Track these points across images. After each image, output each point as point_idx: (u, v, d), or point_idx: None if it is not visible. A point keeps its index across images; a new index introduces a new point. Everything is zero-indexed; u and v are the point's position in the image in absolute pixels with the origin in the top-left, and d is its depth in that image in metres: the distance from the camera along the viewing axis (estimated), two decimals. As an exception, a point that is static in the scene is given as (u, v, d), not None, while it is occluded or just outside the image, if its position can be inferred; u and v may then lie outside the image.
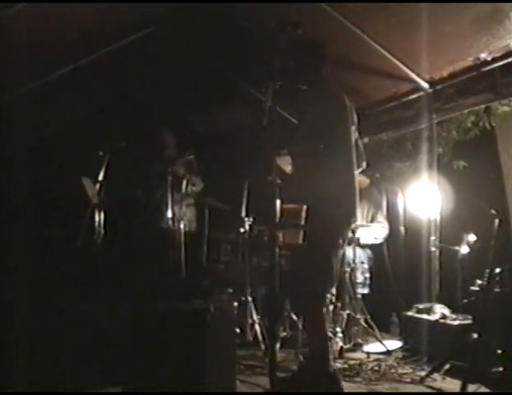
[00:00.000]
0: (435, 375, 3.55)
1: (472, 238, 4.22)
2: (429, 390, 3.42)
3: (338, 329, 4.23)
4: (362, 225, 4.87)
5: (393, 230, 5.13)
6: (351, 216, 3.38)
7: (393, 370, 3.78)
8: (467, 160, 5.14)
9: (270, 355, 2.84)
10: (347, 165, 3.37)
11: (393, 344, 4.30)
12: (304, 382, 3.27)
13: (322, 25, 4.06)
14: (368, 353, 4.22)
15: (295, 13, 3.70)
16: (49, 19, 3.81)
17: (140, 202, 5.05)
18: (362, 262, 4.82)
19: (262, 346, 4.18)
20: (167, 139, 5.29)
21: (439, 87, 4.57)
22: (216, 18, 4.44)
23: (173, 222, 4.71)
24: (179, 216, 4.75)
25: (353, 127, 3.46)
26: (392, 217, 5.21)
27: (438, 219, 4.70)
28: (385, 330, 4.62)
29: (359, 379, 3.63)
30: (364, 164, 3.59)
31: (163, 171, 4.88)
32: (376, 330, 4.41)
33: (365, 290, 4.77)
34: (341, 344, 4.17)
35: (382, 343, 4.25)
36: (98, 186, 4.42)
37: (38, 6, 3.57)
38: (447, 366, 3.54)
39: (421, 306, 4.27)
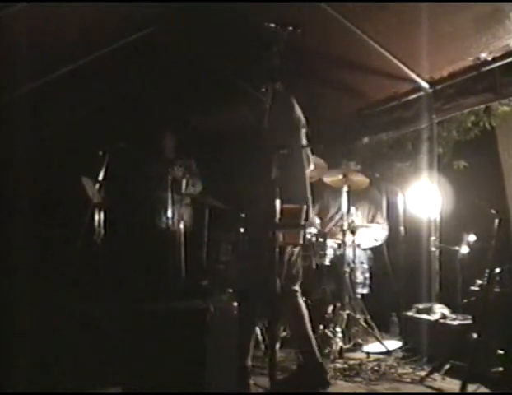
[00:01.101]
0: (435, 375, 3.55)
1: (472, 238, 4.22)
2: (429, 390, 3.42)
3: (338, 329, 4.23)
4: (362, 226, 4.87)
5: (393, 230, 5.13)
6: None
7: (393, 370, 3.78)
8: (468, 160, 5.13)
9: (270, 355, 2.85)
10: (300, 168, 3.45)
11: (393, 344, 4.30)
12: (303, 381, 3.31)
13: (322, 25, 4.06)
14: (368, 353, 4.22)
15: (295, 13, 3.70)
16: (49, 19, 3.81)
17: (138, 202, 5.06)
18: (362, 262, 4.82)
19: (262, 346, 4.18)
20: (167, 141, 5.30)
21: (439, 87, 4.57)
22: (215, 18, 4.44)
23: (172, 222, 4.71)
24: (178, 216, 4.75)
25: (303, 131, 3.52)
26: (392, 217, 5.21)
27: (438, 219, 4.70)
28: (385, 330, 4.62)
29: (359, 379, 3.63)
30: (311, 166, 3.67)
31: (162, 171, 4.89)
32: (376, 330, 4.41)
33: (365, 290, 4.77)
34: (341, 344, 4.17)
35: (382, 343, 4.24)
36: (98, 186, 4.42)
37: (38, 6, 3.57)
38: (447, 366, 3.54)
39: (421, 306, 4.27)
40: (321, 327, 4.37)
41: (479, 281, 3.70)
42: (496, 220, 3.30)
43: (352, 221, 4.57)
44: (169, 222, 4.75)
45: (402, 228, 5.17)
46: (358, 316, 4.40)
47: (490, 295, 3.37)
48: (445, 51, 4.19)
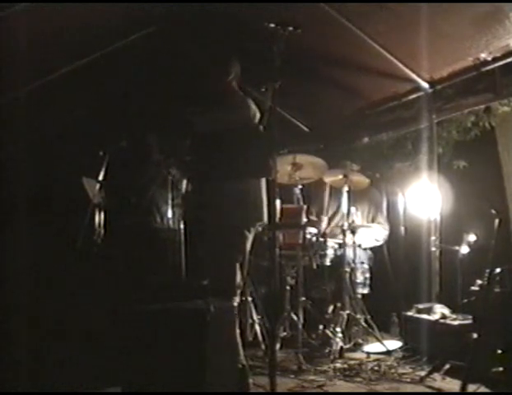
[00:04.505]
0: (435, 375, 3.55)
1: (472, 238, 4.22)
2: (429, 390, 3.42)
3: (338, 329, 4.23)
4: (362, 226, 4.87)
5: (393, 230, 5.13)
6: None
7: (393, 370, 3.78)
8: (468, 160, 5.13)
9: (270, 355, 2.85)
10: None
11: (393, 344, 4.30)
12: None
13: (322, 25, 4.06)
14: (368, 353, 4.22)
15: (295, 13, 3.69)
16: (49, 19, 3.81)
17: (135, 202, 5.05)
18: (362, 262, 4.82)
19: (263, 346, 4.19)
20: (153, 143, 5.27)
21: (439, 87, 4.58)
22: (216, 18, 4.44)
23: (173, 222, 4.71)
24: (179, 215, 4.75)
25: None
26: (392, 217, 5.21)
27: (438, 219, 4.70)
28: (385, 330, 4.62)
29: (359, 379, 3.63)
30: None
31: (155, 172, 4.89)
32: (376, 330, 4.41)
33: (365, 290, 4.77)
34: (341, 344, 4.17)
35: (382, 343, 4.25)
36: (98, 186, 4.42)
37: (38, 6, 3.57)
38: (447, 366, 3.54)
39: (421, 306, 4.27)
40: (321, 327, 4.38)
41: (479, 281, 3.70)
42: (496, 220, 3.29)
43: (352, 221, 4.57)
44: (170, 222, 4.75)
45: (402, 228, 5.17)
46: (358, 316, 4.40)
47: (490, 295, 3.37)
48: (445, 51, 4.19)
